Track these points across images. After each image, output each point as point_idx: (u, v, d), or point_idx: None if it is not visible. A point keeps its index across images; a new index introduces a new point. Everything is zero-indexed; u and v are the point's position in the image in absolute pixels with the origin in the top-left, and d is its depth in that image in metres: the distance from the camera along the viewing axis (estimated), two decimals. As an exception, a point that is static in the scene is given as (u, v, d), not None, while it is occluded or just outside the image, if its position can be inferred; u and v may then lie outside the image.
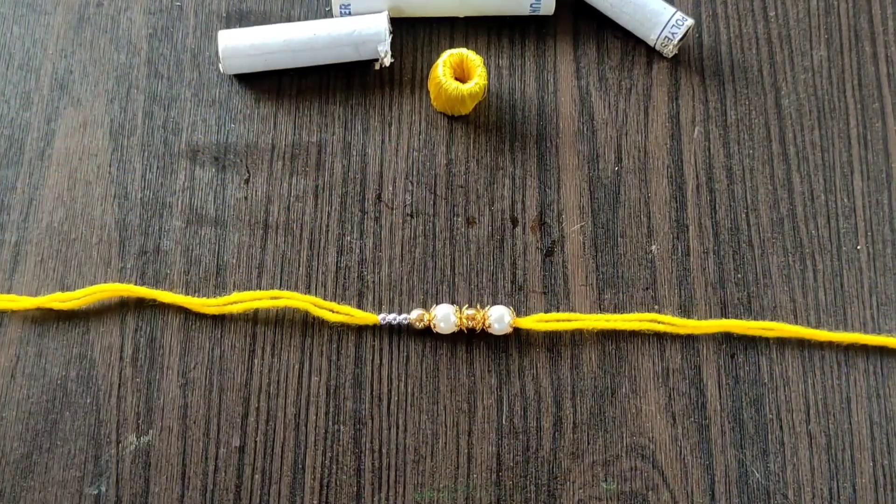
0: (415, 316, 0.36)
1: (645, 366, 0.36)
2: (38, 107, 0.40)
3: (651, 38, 0.40)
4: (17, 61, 0.40)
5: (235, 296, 0.36)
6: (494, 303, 0.37)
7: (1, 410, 0.35)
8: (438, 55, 0.38)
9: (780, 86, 0.40)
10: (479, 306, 0.37)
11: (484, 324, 0.36)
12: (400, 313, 0.36)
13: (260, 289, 0.37)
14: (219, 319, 0.37)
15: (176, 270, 0.37)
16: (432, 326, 0.36)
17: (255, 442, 0.35)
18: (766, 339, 0.37)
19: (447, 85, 0.37)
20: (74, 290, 0.37)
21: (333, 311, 0.36)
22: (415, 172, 0.39)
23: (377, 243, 0.38)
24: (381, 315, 0.36)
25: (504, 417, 0.36)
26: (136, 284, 0.37)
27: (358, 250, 0.38)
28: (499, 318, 0.36)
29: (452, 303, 0.37)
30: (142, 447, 0.35)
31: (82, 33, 0.41)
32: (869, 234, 0.38)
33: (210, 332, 0.37)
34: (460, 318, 0.36)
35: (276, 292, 0.36)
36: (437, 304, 0.37)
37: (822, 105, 0.40)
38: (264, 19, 0.41)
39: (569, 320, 0.36)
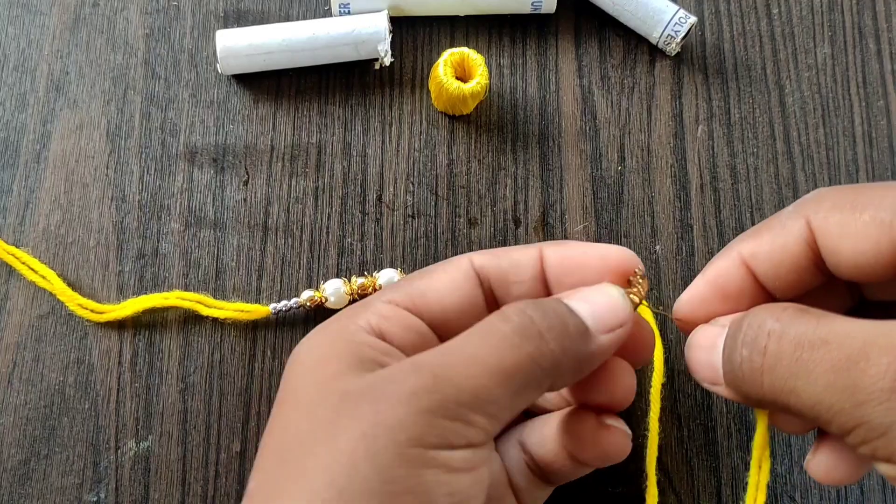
0: (305, 297, 0.36)
1: (649, 366, 0.36)
2: (34, 108, 0.39)
3: (654, 36, 0.40)
4: (12, 62, 0.40)
5: (129, 302, 0.36)
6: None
7: (-2, 417, 0.35)
8: (439, 54, 0.38)
9: (784, 84, 0.40)
10: (367, 274, 0.37)
11: (374, 288, 0.36)
12: (290, 298, 0.36)
13: (260, 292, 0.37)
14: (218, 323, 0.36)
15: (175, 273, 0.37)
16: (324, 301, 0.36)
17: (257, 447, 0.35)
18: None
19: (448, 84, 0.37)
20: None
21: (222, 309, 0.36)
22: (416, 173, 0.39)
23: (378, 245, 0.38)
24: (272, 305, 0.36)
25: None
26: (134, 288, 0.37)
27: (359, 252, 0.37)
28: (388, 280, 0.36)
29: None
30: (141, 453, 0.35)
31: (78, 34, 0.40)
32: (875, 232, 0.38)
33: (210, 336, 0.36)
34: (350, 288, 0.36)
35: (167, 294, 0.36)
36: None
37: (827, 103, 0.40)
38: (262, 19, 0.41)
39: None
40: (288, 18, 0.41)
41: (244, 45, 0.38)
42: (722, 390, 0.26)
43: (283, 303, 0.36)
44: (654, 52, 0.40)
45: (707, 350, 0.26)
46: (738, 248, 0.26)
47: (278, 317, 0.36)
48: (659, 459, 0.35)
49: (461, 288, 0.28)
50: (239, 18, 0.41)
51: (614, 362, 0.28)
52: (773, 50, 0.41)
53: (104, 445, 0.35)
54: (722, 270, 0.27)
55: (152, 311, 0.36)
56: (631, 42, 0.40)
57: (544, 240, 0.37)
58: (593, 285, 0.27)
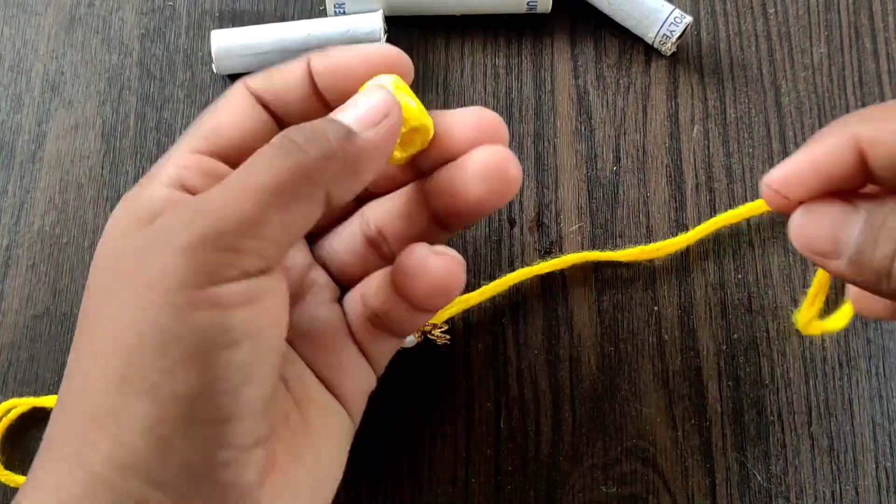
0: None
1: (645, 368, 0.36)
2: (29, 109, 0.39)
3: (649, 35, 0.39)
4: (7, 63, 0.40)
5: None
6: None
7: (-7, 417, 0.35)
8: (435, 54, 0.38)
9: (780, 83, 0.40)
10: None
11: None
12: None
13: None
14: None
15: (169, 274, 0.37)
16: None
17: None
18: (768, 340, 0.36)
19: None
20: (66, 295, 0.37)
21: None
22: (411, 173, 0.39)
23: (373, 245, 0.38)
24: None
25: (502, 421, 0.35)
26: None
27: (354, 252, 0.37)
28: None
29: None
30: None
31: (73, 34, 0.40)
32: (870, 233, 0.38)
33: (204, 337, 0.36)
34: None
35: None
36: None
37: (823, 102, 0.40)
38: (258, 19, 0.41)
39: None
40: (283, 18, 0.41)
41: (239, 46, 0.38)
42: (835, 265, 0.23)
43: None
44: (650, 51, 0.40)
45: (832, 221, 0.23)
46: (855, 129, 0.23)
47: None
48: (653, 460, 0.35)
49: (249, 115, 0.27)
50: (234, 19, 0.41)
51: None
52: (769, 50, 0.40)
53: (99, 446, 0.35)
54: (832, 151, 0.23)
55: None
56: (626, 42, 0.40)
57: (540, 241, 0.37)
58: (360, 92, 0.26)
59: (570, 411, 0.35)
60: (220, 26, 0.40)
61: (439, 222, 0.29)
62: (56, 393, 0.35)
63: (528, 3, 0.39)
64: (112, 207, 0.37)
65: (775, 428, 0.35)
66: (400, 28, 0.40)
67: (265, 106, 0.28)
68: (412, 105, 0.27)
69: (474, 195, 0.27)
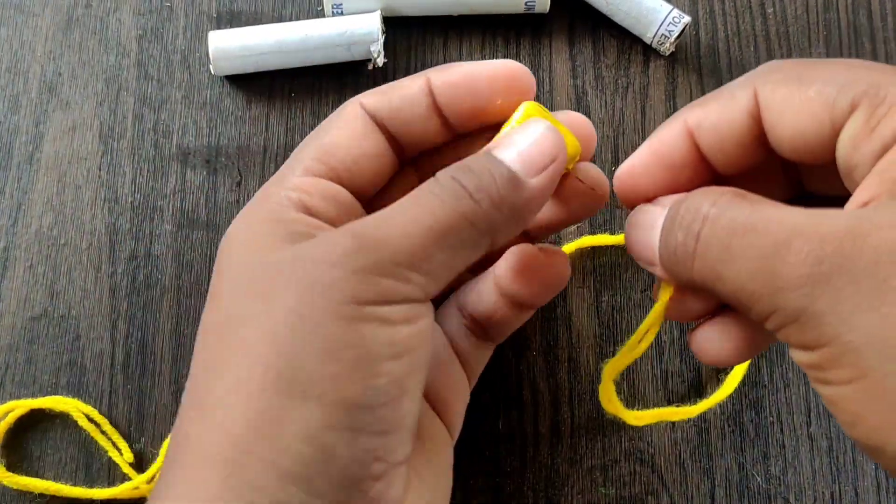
0: None
1: (643, 368, 0.36)
2: (27, 110, 0.39)
3: (647, 35, 0.39)
4: (4, 64, 0.40)
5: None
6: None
7: (-10, 419, 0.35)
8: (433, 54, 0.38)
9: (779, 83, 0.40)
10: None
11: None
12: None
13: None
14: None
15: (167, 275, 0.37)
16: None
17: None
18: (766, 341, 0.36)
19: None
20: (64, 296, 0.36)
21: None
22: (409, 174, 0.38)
23: (371, 246, 0.37)
24: None
25: (501, 422, 0.35)
26: (126, 290, 0.37)
27: (352, 253, 0.37)
28: None
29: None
30: (134, 455, 0.35)
31: (71, 35, 0.40)
32: (869, 233, 0.38)
33: (202, 338, 0.36)
34: None
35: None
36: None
37: (822, 102, 0.40)
38: (255, 20, 0.41)
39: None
40: (281, 19, 0.41)
41: (237, 47, 0.38)
42: (657, 270, 0.25)
43: None
44: (649, 51, 0.40)
45: (647, 230, 0.25)
46: (685, 116, 0.25)
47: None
48: (652, 460, 0.35)
49: (364, 136, 0.27)
50: (232, 19, 0.41)
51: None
52: (767, 49, 0.40)
53: (97, 448, 0.35)
54: (666, 139, 0.25)
55: (144, 307, 0.36)
56: (625, 42, 0.40)
57: (539, 242, 0.37)
58: (518, 126, 0.26)
59: (569, 412, 0.35)
60: (218, 27, 0.40)
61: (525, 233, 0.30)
62: (55, 393, 0.35)
63: (525, 3, 0.39)
64: (109, 208, 0.38)
65: (774, 429, 0.35)
66: (398, 28, 0.40)
67: (380, 124, 0.27)
68: (567, 134, 0.26)
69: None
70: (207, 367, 0.24)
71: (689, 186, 0.26)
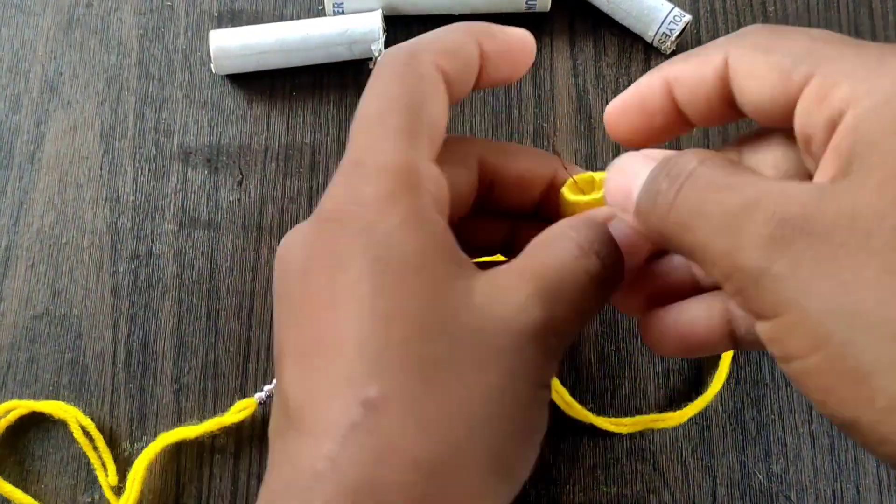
0: None
1: (644, 367, 0.36)
2: (28, 109, 0.39)
3: (648, 34, 0.39)
4: (6, 63, 0.40)
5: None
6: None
7: (-8, 418, 0.35)
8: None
9: (780, 82, 0.40)
10: None
11: None
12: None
13: (255, 291, 0.37)
14: (212, 322, 0.36)
15: (168, 274, 0.37)
16: None
17: (251, 448, 0.35)
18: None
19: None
20: (65, 295, 0.37)
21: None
22: (410, 173, 0.38)
23: (372, 245, 0.37)
24: (257, 395, 0.35)
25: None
26: (128, 289, 0.37)
27: (353, 252, 0.37)
28: None
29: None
30: (135, 454, 0.35)
31: (72, 35, 0.40)
32: (871, 231, 0.38)
33: (203, 337, 0.36)
34: None
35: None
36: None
37: (823, 101, 0.40)
38: (256, 19, 0.41)
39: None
40: (282, 18, 0.41)
41: (238, 46, 0.38)
42: (627, 216, 0.26)
43: (266, 389, 0.35)
44: (649, 50, 0.40)
45: (628, 175, 0.26)
46: (666, 69, 0.27)
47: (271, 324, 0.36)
48: (653, 458, 0.35)
49: (445, 102, 0.27)
50: (233, 18, 0.41)
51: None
52: (768, 48, 0.40)
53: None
54: (645, 87, 0.27)
55: (145, 306, 0.36)
56: (626, 41, 0.40)
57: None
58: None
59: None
60: (219, 26, 0.40)
61: None
62: (58, 392, 0.35)
63: (526, 2, 0.39)
64: (111, 208, 0.38)
65: (776, 427, 0.35)
66: (399, 28, 0.40)
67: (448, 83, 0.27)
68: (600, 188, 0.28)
69: None
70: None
71: (666, 131, 0.28)
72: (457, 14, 0.40)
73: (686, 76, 0.26)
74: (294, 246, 0.24)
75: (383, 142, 0.25)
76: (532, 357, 0.23)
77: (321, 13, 0.41)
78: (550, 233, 0.25)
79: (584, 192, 0.31)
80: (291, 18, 0.41)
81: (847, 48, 0.23)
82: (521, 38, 0.29)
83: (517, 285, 0.23)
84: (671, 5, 0.39)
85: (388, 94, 0.26)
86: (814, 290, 0.20)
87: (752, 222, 0.21)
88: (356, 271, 0.23)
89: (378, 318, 0.22)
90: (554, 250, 0.25)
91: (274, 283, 0.25)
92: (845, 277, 0.19)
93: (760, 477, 0.35)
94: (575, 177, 0.29)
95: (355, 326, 0.22)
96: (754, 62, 0.24)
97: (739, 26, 0.40)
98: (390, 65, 0.26)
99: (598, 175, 0.30)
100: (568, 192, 0.29)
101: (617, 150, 0.39)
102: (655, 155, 0.26)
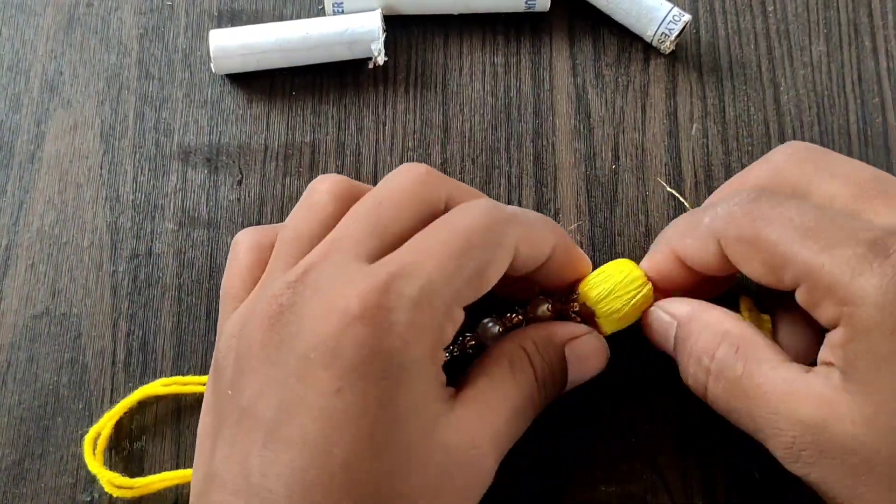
0: None
1: (645, 367, 0.36)
2: (28, 109, 0.39)
3: (648, 34, 0.39)
4: (6, 63, 0.40)
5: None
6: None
7: (-8, 417, 0.35)
8: (433, 53, 0.38)
9: (779, 81, 0.40)
10: None
11: None
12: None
13: (254, 291, 0.37)
14: (212, 322, 0.36)
15: (168, 273, 0.37)
16: None
17: (250, 447, 0.35)
18: (767, 339, 0.36)
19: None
20: (65, 294, 0.37)
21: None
22: (410, 172, 0.39)
23: (372, 244, 0.37)
24: None
25: (501, 420, 0.35)
26: (128, 288, 0.37)
27: (352, 252, 0.37)
28: None
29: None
30: (135, 453, 0.35)
31: (72, 34, 0.40)
32: (870, 231, 0.38)
33: (203, 337, 0.36)
34: None
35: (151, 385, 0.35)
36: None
37: (822, 101, 0.40)
38: (256, 18, 0.41)
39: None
40: (282, 18, 0.41)
41: (238, 45, 0.38)
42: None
43: None
44: (649, 50, 0.40)
45: (660, 335, 0.32)
46: (672, 245, 0.31)
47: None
48: (652, 458, 0.35)
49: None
50: (233, 18, 0.41)
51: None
52: (767, 47, 0.40)
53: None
54: (661, 266, 0.32)
55: (145, 306, 0.36)
56: (625, 40, 0.40)
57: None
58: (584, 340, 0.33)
59: (570, 410, 0.35)
60: (219, 26, 0.41)
61: None
62: (57, 392, 0.35)
63: (526, 2, 0.39)
64: (111, 207, 0.38)
65: (775, 426, 0.35)
66: (398, 27, 0.40)
67: None
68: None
69: None
70: None
71: (689, 279, 0.32)
72: (456, 14, 0.40)
73: (692, 257, 0.30)
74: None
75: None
76: (480, 482, 0.28)
77: (321, 13, 0.41)
78: (496, 367, 0.30)
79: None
80: (291, 18, 0.41)
81: (831, 241, 0.26)
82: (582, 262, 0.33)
83: (477, 443, 0.28)
84: (670, 5, 0.39)
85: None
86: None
87: (778, 444, 0.28)
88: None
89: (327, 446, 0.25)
90: (500, 392, 0.29)
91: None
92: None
93: (759, 475, 0.35)
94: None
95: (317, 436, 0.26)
96: (746, 257, 0.28)
97: (739, 26, 0.41)
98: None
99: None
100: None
101: (616, 150, 0.39)
102: (674, 307, 0.31)
